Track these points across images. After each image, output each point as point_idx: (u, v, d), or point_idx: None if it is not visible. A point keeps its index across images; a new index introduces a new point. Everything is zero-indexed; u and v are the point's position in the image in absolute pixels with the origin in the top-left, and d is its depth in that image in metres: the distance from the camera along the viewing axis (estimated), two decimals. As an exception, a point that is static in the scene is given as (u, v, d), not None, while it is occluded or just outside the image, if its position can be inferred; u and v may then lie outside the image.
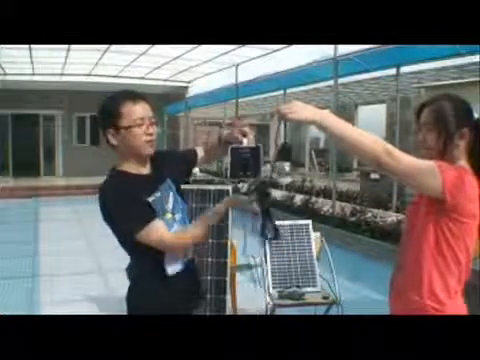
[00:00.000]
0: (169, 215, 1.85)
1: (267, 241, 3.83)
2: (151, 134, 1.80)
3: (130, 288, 1.91)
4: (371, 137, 1.54)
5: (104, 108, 1.82)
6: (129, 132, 1.76)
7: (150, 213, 1.75)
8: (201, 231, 1.83)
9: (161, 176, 1.90)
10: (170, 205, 1.87)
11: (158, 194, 1.82)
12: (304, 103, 1.54)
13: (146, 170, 1.88)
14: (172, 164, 1.97)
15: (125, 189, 1.75)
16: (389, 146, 1.54)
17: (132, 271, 1.94)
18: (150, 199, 1.78)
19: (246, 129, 1.85)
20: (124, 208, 1.73)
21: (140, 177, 1.83)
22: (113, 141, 1.79)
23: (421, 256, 1.63)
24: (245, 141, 1.81)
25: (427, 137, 1.71)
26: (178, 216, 1.90)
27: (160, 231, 1.74)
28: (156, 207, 1.79)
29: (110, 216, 1.76)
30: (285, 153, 1.64)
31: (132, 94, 1.81)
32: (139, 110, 1.78)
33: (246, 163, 1.74)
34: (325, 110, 1.59)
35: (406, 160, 1.54)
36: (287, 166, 1.61)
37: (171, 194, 1.90)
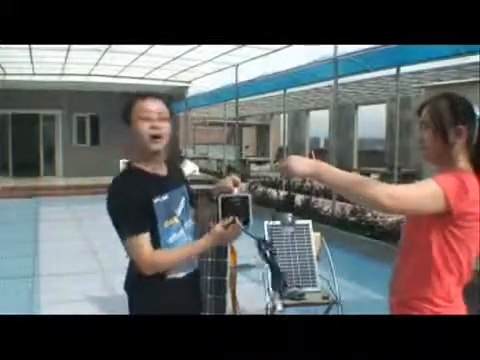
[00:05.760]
0: (176, 220, 1.84)
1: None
2: (157, 128, 1.79)
3: (129, 285, 1.90)
4: (370, 184, 1.52)
5: (123, 106, 1.89)
6: (135, 126, 1.80)
7: (143, 224, 1.74)
8: (185, 256, 1.82)
9: (175, 180, 1.91)
10: (179, 210, 1.87)
11: (165, 197, 1.81)
12: (300, 157, 1.59)
13: (162, 171, 1.89)
14: (185, 182, 2.01)
15: (130, 189, 1.76)
16: (389, 189, 1.50)
17: (132, 269, 1.94)
18: (155, 200, 1.78)
19: (237, 179, 1.87)
20: (121, 211, 1.75)
21: (152, 176, 1.84)
22: (128, 136, 1.83)
23: (422, 261, 1.61)
24: (236, 190, 1.83)
25: (425, 136, 1.68)
26: (187, 223, 1.90)
27: (141, 249, 1.73)
28: (159, 210, 1.78)
29: (110, 211, 1.79)
30: (288, 203, 1.71)
31: (145, 92, 1.86)
32: (145, 105, 1.80)
33: (236, 212, 1.75)
34: (323, 163, 1.59)
35: (410, 195, 1.52)
36: (290, 217, 1.68)
37: (183, 200, 1.91)
